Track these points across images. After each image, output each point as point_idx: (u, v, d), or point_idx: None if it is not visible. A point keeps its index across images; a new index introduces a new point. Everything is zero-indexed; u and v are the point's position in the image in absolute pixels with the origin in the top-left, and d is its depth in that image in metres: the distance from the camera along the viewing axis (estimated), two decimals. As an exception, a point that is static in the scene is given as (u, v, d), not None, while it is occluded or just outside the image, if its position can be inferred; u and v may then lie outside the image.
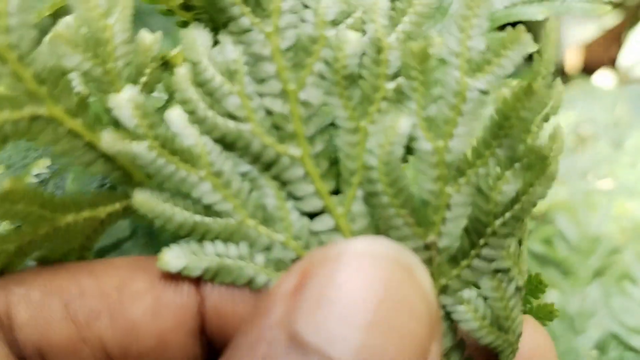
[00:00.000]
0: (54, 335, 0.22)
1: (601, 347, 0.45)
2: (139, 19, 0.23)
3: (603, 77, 0.82)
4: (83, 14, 0.21)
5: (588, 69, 0.84)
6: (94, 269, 0.23)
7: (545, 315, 0.28)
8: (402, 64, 0.22)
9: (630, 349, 0.45)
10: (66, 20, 0.21)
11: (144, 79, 0.23)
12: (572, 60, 0.86)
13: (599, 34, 0.84)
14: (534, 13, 0.31)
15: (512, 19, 0.32)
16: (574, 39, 0.84)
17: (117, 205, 0.23)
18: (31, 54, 0.20)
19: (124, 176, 0.23)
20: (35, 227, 0.22)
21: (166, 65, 0.24)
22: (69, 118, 0.21)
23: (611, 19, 0.84)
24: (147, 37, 0.23)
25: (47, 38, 0.21)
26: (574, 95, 0.63)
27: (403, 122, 0.22)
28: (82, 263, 0.23)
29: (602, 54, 0.83)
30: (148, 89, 0.23)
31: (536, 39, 0.22)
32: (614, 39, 0.83)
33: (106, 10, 0.22)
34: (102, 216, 0.23)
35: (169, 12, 0.29)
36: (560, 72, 0.84)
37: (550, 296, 0.49)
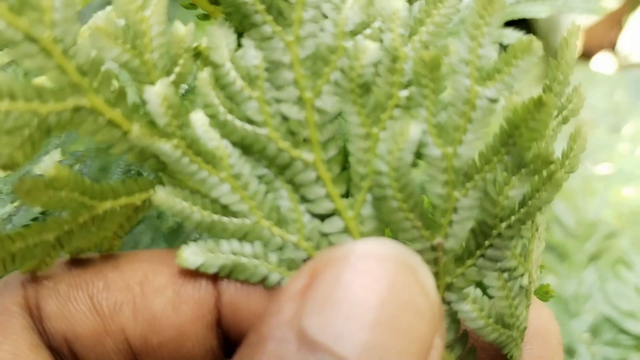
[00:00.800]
0: (80, 326, 0.23)
1: (595, 330, 0.46)
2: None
3: (602, 61, 0.82)
4: (121, 6, 0.22)
5: (587, 53, 0.83)
6: (118, 263, 0.24)
7: (541, 295, 0.29)
8: (413, 72, 0.22)
9: (624, 331, 0.46)
10: (104, 14, 0.21)
11: (177, 69, 0.23)
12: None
13: (599, 18, 0.84)
14: (537, 11, 0.31)
15: (515, 17, 0.32)
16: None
17: (152, 192, 0.23)
18: (74, 47, 0.20)
19: (158, 164, 0.23)
20: (75, 215, 0.22)
21: (197, 55, 0.24)
22: (108, 108, 0.22)
23: (611, 3, 0.84)
24: (181, 29, 0.23)
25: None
26: (572, 81, 0.63)
27: (413, 129, 0.22)
28: (108, 257, 0.24)
29: (601, 37, 0.82)
30: (181, 79, 0.23)
31: (536, 34, 0.23)
32: (614, 22, 0.83)
33: (142, 3, 0.22)
34: (138, 203, 0.23)
35: (192, 6, 0.29)
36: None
37: (546, 280, 0.49)
